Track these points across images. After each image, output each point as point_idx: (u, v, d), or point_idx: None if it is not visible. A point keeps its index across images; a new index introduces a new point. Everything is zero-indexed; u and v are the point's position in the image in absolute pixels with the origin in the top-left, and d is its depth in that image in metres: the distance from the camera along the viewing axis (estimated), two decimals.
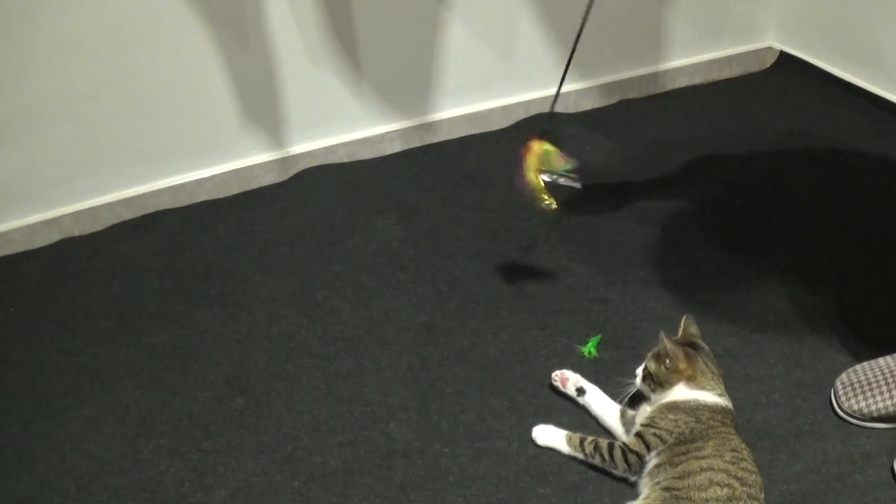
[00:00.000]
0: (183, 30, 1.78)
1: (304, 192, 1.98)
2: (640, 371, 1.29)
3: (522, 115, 2.23)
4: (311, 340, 1.53)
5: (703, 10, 2.31)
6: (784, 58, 2.46)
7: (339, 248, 1.77)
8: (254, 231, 1.85)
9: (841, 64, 2.30)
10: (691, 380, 1.23)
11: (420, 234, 1.80)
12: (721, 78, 2.44)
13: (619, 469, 1.20)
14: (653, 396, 1.26)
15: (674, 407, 1.21)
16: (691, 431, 1.16)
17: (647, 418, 1.22)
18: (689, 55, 2.38)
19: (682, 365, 1.23)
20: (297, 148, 2.03)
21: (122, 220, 1.90)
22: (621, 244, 1.74)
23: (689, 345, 1.26)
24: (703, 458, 1.11)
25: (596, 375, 1.41)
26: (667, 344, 1.23)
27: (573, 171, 1.49)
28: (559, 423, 1.32)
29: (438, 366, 1.46)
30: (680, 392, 1.23)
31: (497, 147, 2.13)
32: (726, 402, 1.22)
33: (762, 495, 1.10)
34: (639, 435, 1.20)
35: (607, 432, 1.31)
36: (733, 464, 1.10)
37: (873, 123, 2.14)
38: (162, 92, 1.83)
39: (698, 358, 1.25)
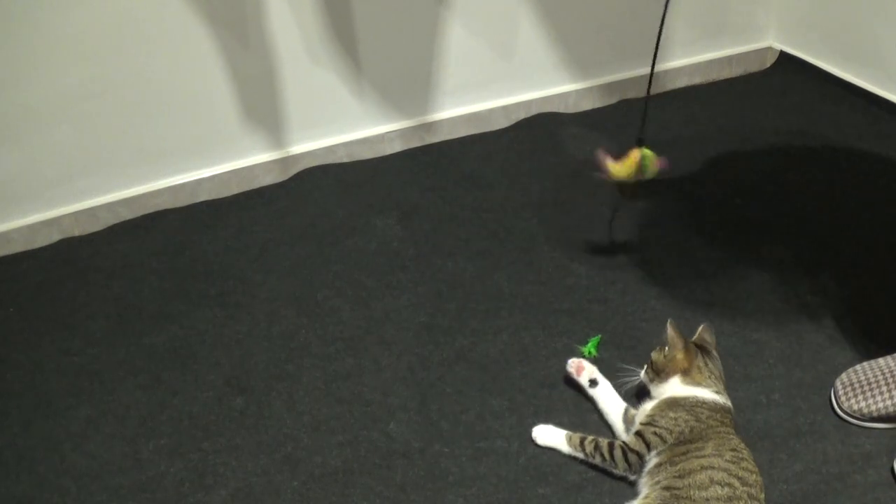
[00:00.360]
0: (183, 30, 1.78)
1: (304, 192, 1.98)
2: (645, 368, 1.31)
3: (522, 115, 2.23)
4: (311, 340, 1.53)
5: (703, 10, 2.31)
6: (784, 58, 2.46)
7: (339, 248, 1.77)
8: (254, 231, 1.85)
9: (841, 64, 2.30)
10: (687, 374, 1.23)
11: (420, 234, 1.80)
12: (721, 78, 2.44)
13: (620, 468, 1.20)
14: (652, 389, 1.27)
15: (673, 404, 1.21)
16: (691, 431, 1.16)
17: (646, 416, 1.22)
18: (689, 55, 2.38)
19: (680, 355, 1.24)
20: (297, 148, 2.04)
21: (122, 220, 1.90)
22: (621, 244, 1.74)
23: (698, 346, 1.27)
24: (704, 457, 1.11)
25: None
26: (670, 330, 1.25)
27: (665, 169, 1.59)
28: (559, 423, 1.32)
29: (438, 366, 1.46)
30: (677, 387, 1.23)
31: (497, 147, 2.14)
32: (725, 401, 1.22)
33: (762, 495, 1.10)
34: (639, 434, 1.20)
35: (609, 429, 1.31)
36: (734, 463, 1.10)
37: (873, 123, 2.14)
38: (162, 92, 1.83)
39: (699, 354, 1.25)
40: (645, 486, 1.16)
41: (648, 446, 1.18)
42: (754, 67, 2.48)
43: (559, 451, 1.27)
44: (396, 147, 2.13)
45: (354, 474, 1.26)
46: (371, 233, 1.81)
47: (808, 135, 2.11)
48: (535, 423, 1.32)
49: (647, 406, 1.25)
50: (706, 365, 1.25)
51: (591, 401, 1.35)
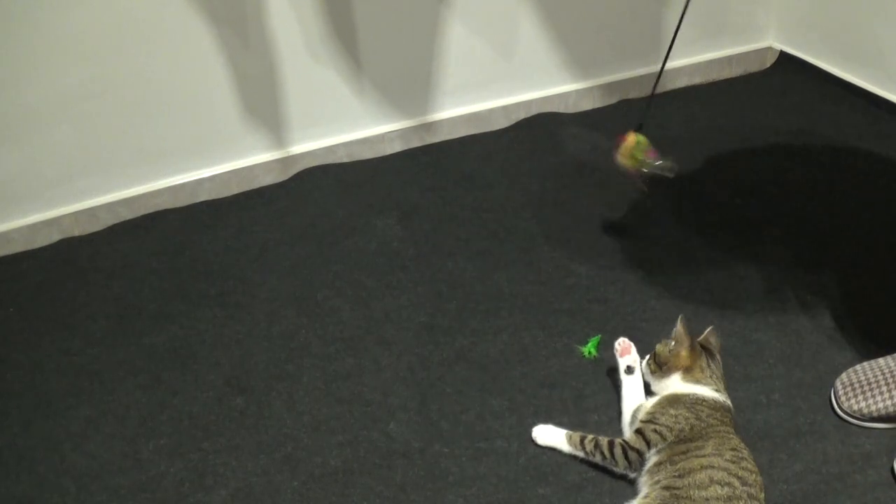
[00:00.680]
0: (183, 29, 1.78)
1: (304, 192, 1.98)
2: (647, 358, 1.32)
3: (522, 115, 2.23)
4: (311, 340, 1.53)
5: (703, 10, 2.31)
6: (784, 58, 2.46)
7: (339, 248, 1.77)
8: (254, 231, 1.85)
9: (841, 64, 2.30)
10: (688, 371, 1.24)
11: (420, 234, 1.80)
12: (721, 78, 2.44)
13: (620, 466, 1.20)
14: (652, 382, 1.28)
15: (674, 401, 1.21)
16: (691, 429, 1.16)
17: (647, 413, 1.23)
18: (689, 55, 2.38)
19: (684, 352, 1.24)
20: (297, 148, 2.04)
21: (122, 220, 1.90)
22: (621, 244, 1.74)
23: (703, 347, 1.28)
24: (703, 456, 1.11)
25: (596, 375, 1.41)
26: (680, 326, 1.25)
27: (666, 165, 1.59)
28: (559, 423, 1.32)
29: (438, 366, 1.46)
30: (678, 384, 1.23)
31: (497, 147, 2.14)
32: (725, 399, 1.22)
33: (762, 495, 1.10)
34: (639, 431, 1.20)
35: (617, 417, 1.31)
36: (733, 463, 1.10)
37: (873, 123, 2.14)
38: (162, 92, 1.83)
39: (703, 355, 1.25)
40: (644, 485, 1.15)
41: (648, 444, 1.18)
42: (754, 67, 2.48)
43: (559, 451, 1.27)
44: (396, 147, 2.13)
45: (354, 474, 1.26)
46: (371, 233, 1.81)
47: (808, 135, 2.11)
48: (535, 423, 1.32)
49: (648, 404, 1.25)
50: (708, 366, 1.25)
51: (616, 385, 1.35)
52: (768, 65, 2.49)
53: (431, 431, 1.33)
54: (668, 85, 2.38)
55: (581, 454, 1.25)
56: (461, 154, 2.11)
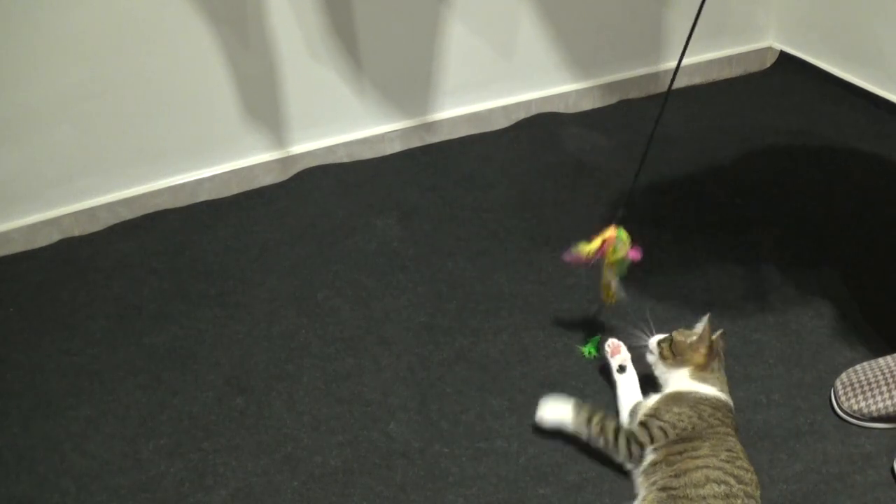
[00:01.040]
0: (183, 29, 1.78)
1: (304, 192, 1.98)
2: (658, 337, 1.31)
3: (522, 115, 2.23)
4: (311, 340, 1.53)
5: (703, 9, 2.31)
6: (784, 58, 2.46)
7: (339, 248, 1.77)
8: (254, 231, 1.85)
9: (841, 64, 2.30)
10: (699, 369, 1.24)
11: (420, 234, 1.80)
12: (721, 78, 2.44)
13: (620, 455, 1.21)
14: (658, 366, 1.28)
15: (678, 398, 1.21)
16: (693, 428, 1.16)
17: (651, 408, 1.23)
18: (689, 55, 2.37)
19: (703, 350, 1.25)
20: (297, 148, 2.04)
21: (122, 220, 1.90)
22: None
23: None
24: (699, 457, 1.12)
25: (596, 375, 1.41)
26: (707, 326, 1.26)
27: (621, 294, 1.41)
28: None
29: (438, 366, 1.46)
30: (684, 380, 1.24)
31: (497, 147, 2.14)
32: (727, 399, 1.23)
33: (758, 493, 1.10)
34: (643, 425, 1.20)
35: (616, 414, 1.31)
36: (728, 462, 1.11)
37: (873, 123, 2.14)
38: (162, 92, 1.83)
39: (717, 357, 1.26)
40: (641, 486, 1.16)
41: (652, 439, 1.18)
42: (754, 67, 2.48)
43: (563, 427, 1.27)
44: (396, 147, 2.13)
45: (354, 474, 1.26)
46: (371, 233, 1.81)
47: (808, 135, 2.11)
48: (535, 423, 1.32)
49: (650, 401, 1.25)
50: (718, 369, 1.26)
51: (612, 385, 1.35)
52: (768, 65, 2.49)
53: (431, 431, 1.33)
54: (668, 84, 2.38)
55: (584, 433, 1.24)
56: (461, 154, 2.11)
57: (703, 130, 2.17)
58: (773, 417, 1.31)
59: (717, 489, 1.07)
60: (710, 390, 1.22)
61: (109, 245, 1.83)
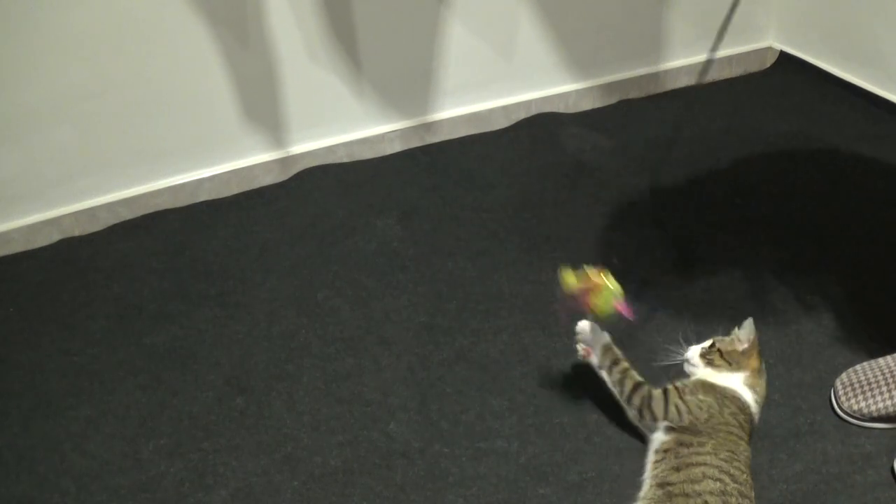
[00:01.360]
0: (183, 29, 1.78)
1: (304, 192, 1.98)
2: (698, 347, 1.28)
3: (522, 115, 2.23)
4: (311, 340, 1.53)
5: (703, 10, 2.31)
6: (784, 58, 2.46)
7: (339, 248, 1.77)
8: (254, 231, 1.85)
9: (841, 64, 2.30)
10: (754, 374, 1.24)
11: (420, 234, 1.80)
12: (721, 78, 2.44)
13: (630, 414, 1.21)
14: (707, 374, 1.25)
15: (709, 388, 1.21)
16: (706, 422, 1.16)
17: (680, 384, 1.22)
18: (689, 55, 2.38)
19: (756, 353, 1.25)
20: (297, 148, 2.04)
21: (122, 220, 1.90)
22: (621, 244, 1.74)
23: None
24: (702, 454, 1.13)
25: (596, 375, 1.41)
26: (754, 330, 1.26)
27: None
28: (559, 423, 1.32)
29: (438, 366, 1.46)
30: (738, 383, 1.23)
31: (497, 147, 2.14)
32: (758, 410, 1.23)
33: (752, 494, 1.11)
34: (665, 393, 1.20)
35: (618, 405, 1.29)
36: (726, 462, 1.12)
37: (873, 123, 2.14)
38: (162, 92, 1.83)
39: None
40: (648, 472, 1.16)
41: (666, 413, 1.18)
42: (754, 67, 2.48)
43: (591, 356, 1.27)
44: (396, 147, 2.13)
45: (354, 474, 1.26)
46: (371, 233, 1.81)
47: (808, 135, 2.11)
48: (535, 423, 1.32)
49: (677, 381, 1.24)
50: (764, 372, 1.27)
51: (602, 382, 1.31)
52: (768, 65, 2.48)
53: (431, 431, 1.33)
54: (668, 85, 2.38)
55: (604, 374, 1.24)
56: (461, 154, 2.11)
57: (703, 130, 2.16)
58: (773, 417, 1.31)
59: (712, 485, 1.08)
60: (749, 398, 1.22)
61: (109, 245, 1.83)
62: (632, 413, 1.22)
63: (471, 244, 1.76)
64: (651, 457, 1.18)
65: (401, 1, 1.95)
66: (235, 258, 1.76)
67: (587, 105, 2.30)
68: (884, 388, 1.28)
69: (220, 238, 1.83)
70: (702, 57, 2.40)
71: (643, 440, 1.26)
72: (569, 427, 1.31)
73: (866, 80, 2.23)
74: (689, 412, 1.18)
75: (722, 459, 1.11)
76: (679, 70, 2.38)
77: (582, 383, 1.40)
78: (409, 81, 2.08)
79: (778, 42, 2.47)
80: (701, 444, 1.14)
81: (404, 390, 1.41)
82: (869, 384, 1.30)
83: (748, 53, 2.45)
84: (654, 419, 1.19)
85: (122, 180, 1.89)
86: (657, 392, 1.21)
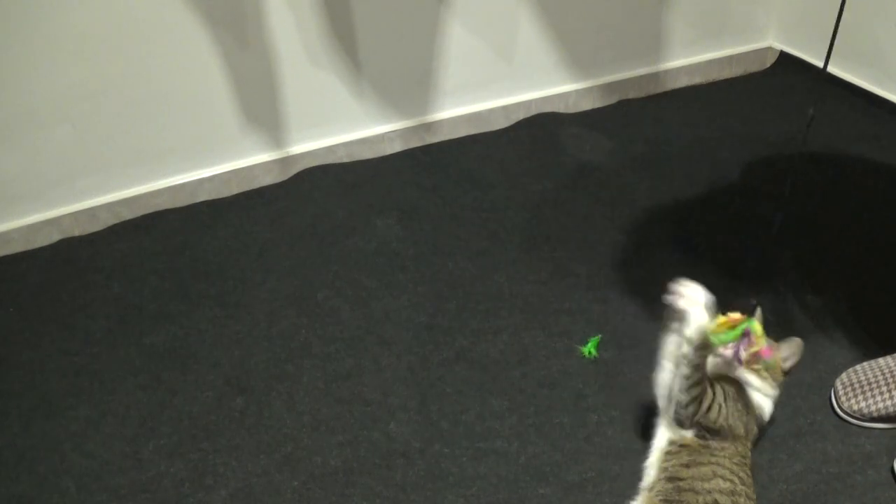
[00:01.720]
0: (183, 29, 1.78)
1: (304, 192, 1.98)
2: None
3: (522, 115, 2.23)
4: (311, 340, 1.53)
5: (703, 10, 2.31)
6: (784, 58, 2.46)
7: (339, 248, 1.77)
8: (254, 231, 1.85)
9: (841, 64, 2.30)
10: (775, 388, 1.24)
11: (420, 234, 1.80)
12: (721, 78, 2.44)
13: (681, 398, 1.12)
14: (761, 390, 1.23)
15: (746, 398, 1.19)
16: (728, 429, 1.16)
17: (726, 385, 1.18)
18: (689, 55, 2.38)
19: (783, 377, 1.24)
20: (297, 148, 2.04)
21: (122, 220, 1.90)
22: (621, 244, 1.74)
23: None
24: (716, 455, 1.13)
25: (596, 375, 1.41)
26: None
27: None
28: (559, 424, 1.32)
29: (438, 366, 1.46)
30: (760, 390, 1.22)
31: (497, 147, 2.14)
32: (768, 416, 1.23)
33: (755, 497, 1.12)
34: (713, 389, 1.14)
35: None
36: (738, 465, 1.12)
37: (873, 123, 2.14)
38: (162, 92, 1.83)
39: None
40: (655, 464, 1.16)
41: (708, 409, 1.13)
42: (754, 67, 2.48)
43: (677, 328, 1.15)
44: (396, 147, 2.13)
45: (354, 474, 1.26)
46: (371, 233, 1.81)
47: (807, 135, 2.11)
48: (535, 423, 1.32)
49: (724, 384, 1.21)
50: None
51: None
52: (768, 65, 2.49)
53: (431, 431, 1.33)
54: (668, 85, 2.38)
55: (684, 349, 1.12)
56: (461, 154, 2.11)
57: (703, 130, 2.17)
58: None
59: (722, 485, 1.08)
60: (767, 411, 1.22)
61: (109, 245, 1.83)
62: (683, 398, 1.12)
63: (471, 244, 1.76)
64: (664, 447, 1.16)
65: (401, 1, 1.95)
66: (235, 258, 1.76)
67: (587, 105, 2.30)
68: (884, 388, 1.28)
69: (220, 238, 1.83)
70: (702, 57, 2.40)
71: (644, 439, 1.26)
72: (569, 427, 1.31)
73: (866, 80, 2.23)
74: (727, 419, 1.15)
75: (735, 463, 1.12)
76: (679, 70, 2.38)
77: (582, 383, 1.40)
78: (409, 81, 2.08)
79: (778, 42, 2.47)
80: (722, 448, 1.14)
81: (404, 390, 1.41)
82: (869, 384, 1.30)
83: (748, 53, 2.45)
84: (695, 413, 1.13)
85: (122, 180, 1.89)
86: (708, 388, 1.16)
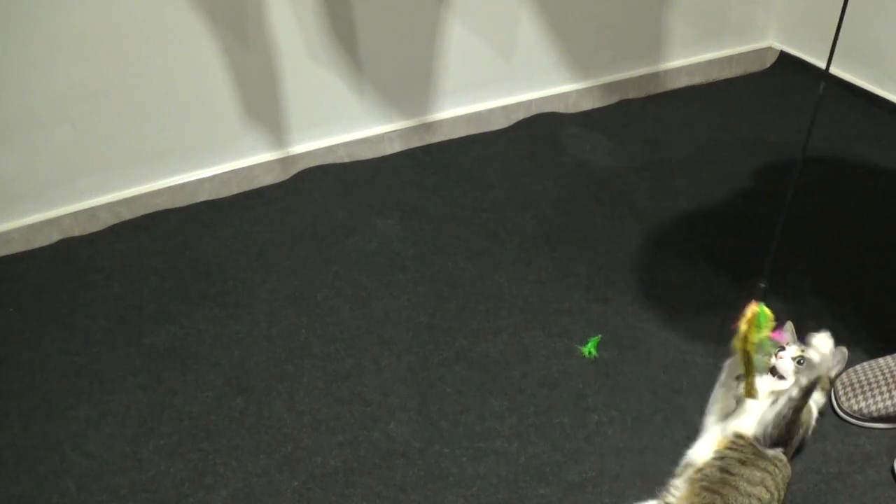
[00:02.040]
0: (183, 29, 1.78)
1: (304, 192, 1.98)
2: (794, 349, 1.25)
3: (522, 116, 2.23)
4: (311, 340, 1.53)
5: (703, 10, 2.31)
6: (784, 58, 2.46)
7: (339, 248, 1.77)
8: (254, 231, 1.85)
9: (841, 64, 2.30)
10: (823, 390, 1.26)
11: (420, 234, 1.80)
12: (721, 78, 2.44)
13: (771, 428, 1.14)
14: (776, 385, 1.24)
15: (808, 419, 1.22)
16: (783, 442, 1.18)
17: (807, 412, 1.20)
18: (689, 55, 2.38)
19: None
20: (297, 148, 2.04)
21: (122, 220, 1.90)
22: (621, 244, 1.74)
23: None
24: (770, 464, 1.14)
25: (596, 375, 1.41)
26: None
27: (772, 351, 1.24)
28: (558, 424, 1.32)
29: (438, 366, 1.46)
30: (818, 398, 1.24)
31: (497, 147, 2.14)
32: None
33: None
34: (798, 413, 1.14)
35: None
36: (781, 483, 1.14)
37: (873, 123, 2.14)
38: (162, 91, 1.83)
39: None
40: (710, 448, 1.15)
41: (790, 433, 1.15)
42: (754, 67, 2.48)
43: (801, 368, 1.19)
44: (396, 147, 2.13)
45: (354, 474, 1.26)
46: (371, 233, 1.81)
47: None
48: (535, 423, 1.32)
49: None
50: None
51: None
52: (768, 65, 2.48)
53: (431, 431, 1.33)
54: (668, 85, 2.38)
55: (797, 382, 1.13)
56: (461, 154, 2.11)
57: (703, 130, 2.17)
58: None
59: (763, 495, 1.10)
60: (811, 422, 1.23)
61: (109, 245, 1.83)
62: (774, 432, 1.13)
63: (471, 244, 1.76)
64: (730, 435, 1.16)
65: (401, 1, 1.95)
66: (235, 258, 1.76)
67: (587, 105, 2.30)
68: (884, 388, 1.28)
69: (220, 238, 1.83)
70: (702, 57, 2.40)
71: (643, 440, 1.26)
72: (569, 427, 1.31)
73: (866, 80, 2.23)
74: (788, 432, 1.16)
75: (781, 481, 1.14)
76: (679, 70, 2.38)
77: (582, 383, 1.40)
78: (409, 81, 2.08)
79: (778, 42, 2.47)
80: (780, 462, 1.15)
81: (404, 390, 1.41)
82: (869, 384, 1.30)
83: (748, 53, 2.45)
84: (791, 436, 1.16)
85: (122, 180, 1.89)
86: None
